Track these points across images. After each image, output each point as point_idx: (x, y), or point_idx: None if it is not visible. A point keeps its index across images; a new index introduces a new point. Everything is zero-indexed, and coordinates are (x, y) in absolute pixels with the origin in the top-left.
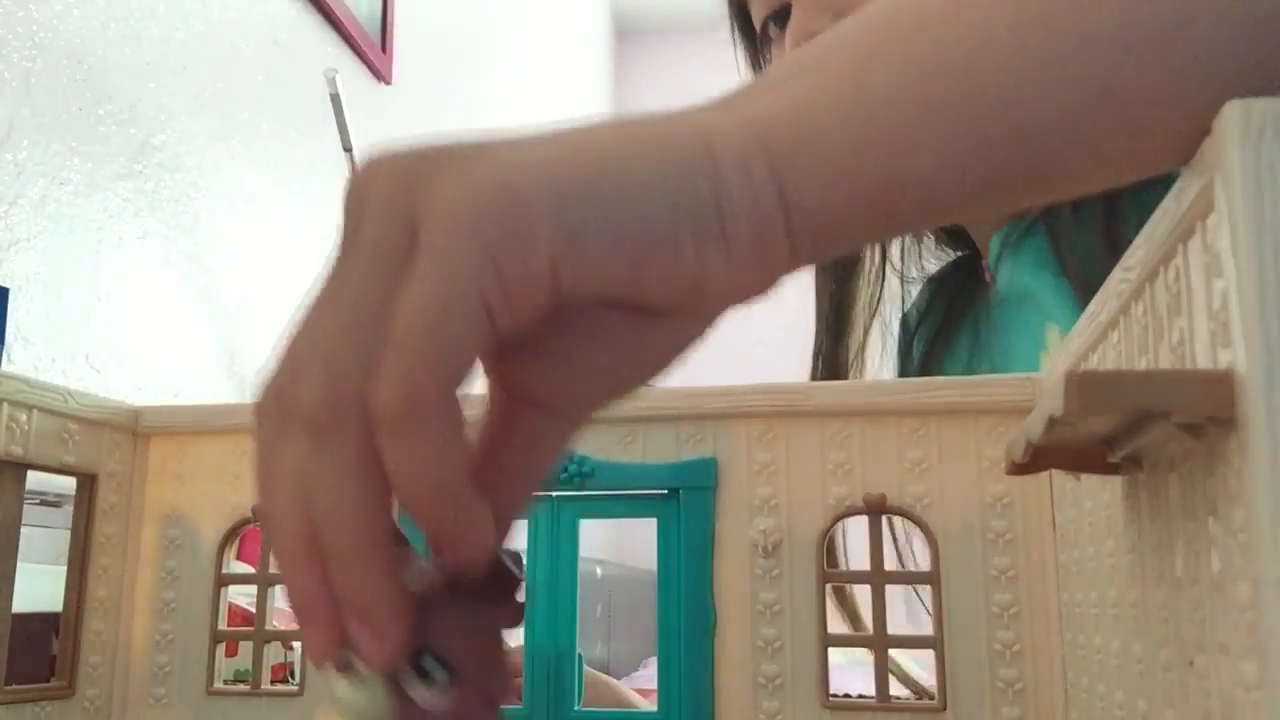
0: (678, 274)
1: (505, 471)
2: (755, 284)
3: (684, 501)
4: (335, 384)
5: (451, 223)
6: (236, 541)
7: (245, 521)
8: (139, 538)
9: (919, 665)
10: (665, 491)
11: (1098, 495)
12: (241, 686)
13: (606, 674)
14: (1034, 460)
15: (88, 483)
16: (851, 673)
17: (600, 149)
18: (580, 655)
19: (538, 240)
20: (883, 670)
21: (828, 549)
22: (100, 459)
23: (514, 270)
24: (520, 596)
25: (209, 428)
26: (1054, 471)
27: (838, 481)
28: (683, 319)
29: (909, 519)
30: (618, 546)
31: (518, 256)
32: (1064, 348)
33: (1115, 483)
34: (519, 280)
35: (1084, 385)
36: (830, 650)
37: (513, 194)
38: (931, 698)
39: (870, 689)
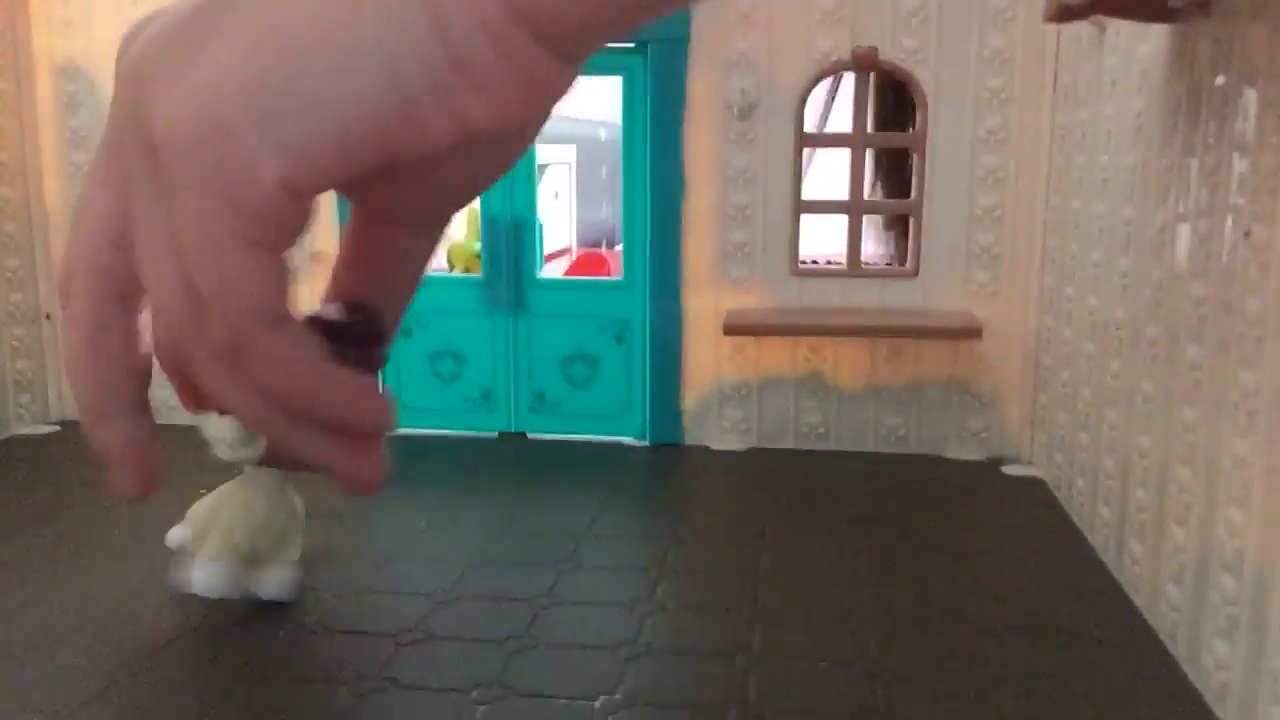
0: (431, 135)
1: (384, 284)
2: (534, 101)
3: (653, 56)
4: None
5: (177, 177)
6: None
7: None
8: (34, 95)
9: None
10: (632, 45)
11: (1129, 50)
12: None
13: (611, 235)
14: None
15: None
16: None
17: (297, 41)
18: (540, 225)
19: (257, 170)
20: (855, 236)
21: None
22: None
23: (254, 204)
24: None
25: None
26: (1063, 25)
27: (824, 34)
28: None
29: (898, 75)
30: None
31: (249, 191)
32: None
33: (1159, 34)
34: (264, 209)
35: None
36: None
37: (217, 129)
38: None
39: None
